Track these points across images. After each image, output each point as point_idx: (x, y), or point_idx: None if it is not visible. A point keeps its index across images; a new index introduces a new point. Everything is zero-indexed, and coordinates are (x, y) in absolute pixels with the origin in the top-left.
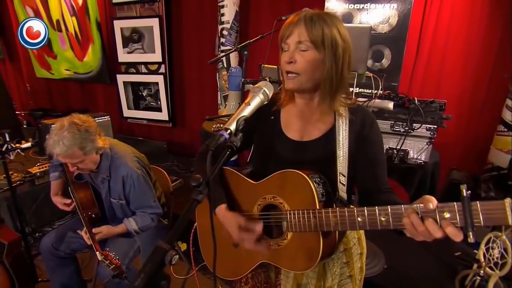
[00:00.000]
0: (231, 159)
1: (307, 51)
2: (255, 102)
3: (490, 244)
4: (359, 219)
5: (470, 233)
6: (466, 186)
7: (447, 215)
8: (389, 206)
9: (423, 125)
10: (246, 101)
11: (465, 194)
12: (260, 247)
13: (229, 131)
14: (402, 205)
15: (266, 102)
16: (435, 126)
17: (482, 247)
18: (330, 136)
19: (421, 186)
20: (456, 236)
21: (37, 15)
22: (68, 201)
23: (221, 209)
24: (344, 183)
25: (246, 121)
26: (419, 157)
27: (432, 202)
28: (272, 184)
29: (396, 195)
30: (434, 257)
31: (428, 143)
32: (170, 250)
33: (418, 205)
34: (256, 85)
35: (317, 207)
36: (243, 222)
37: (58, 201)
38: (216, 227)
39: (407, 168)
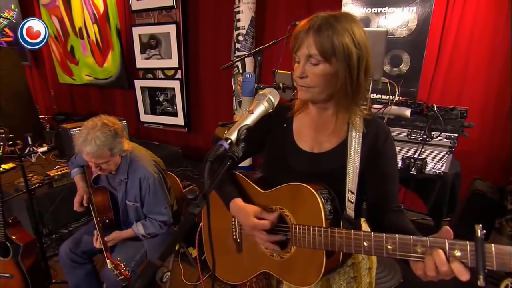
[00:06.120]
0: (242, 165)
1: (318, 65)
2: (258, 110)
3: None
4: (365, 243)
5: (481, 276)
6: (481, 226)
7: (457, 253)
8: (397, 235)
9: (442, 133)
10: (250, 109)
11: (479, 235)
12: (271, 239)
13: (229, 141)
14: (411, 237)
15: (281, 107)
16: (456, 135)
17: None
18: (341, 149)
19: (440, 198)
20: (462, 274)
21: (62, 23)
22: (85, 199)
23: (237, 202)
24: (352, 200)
25: (249, 130)
26: (438, 167)
27: (448, 234)
28: (281, 195)
29: (405, 215)
30: None
31: (448, 153)
32: (162, 267)
33: (428, 238)
34: (261, 92)
35: (324, 225)
36: (259, 210)
37: (79, 200)
38: (221, 233)
39: (425, 179)
